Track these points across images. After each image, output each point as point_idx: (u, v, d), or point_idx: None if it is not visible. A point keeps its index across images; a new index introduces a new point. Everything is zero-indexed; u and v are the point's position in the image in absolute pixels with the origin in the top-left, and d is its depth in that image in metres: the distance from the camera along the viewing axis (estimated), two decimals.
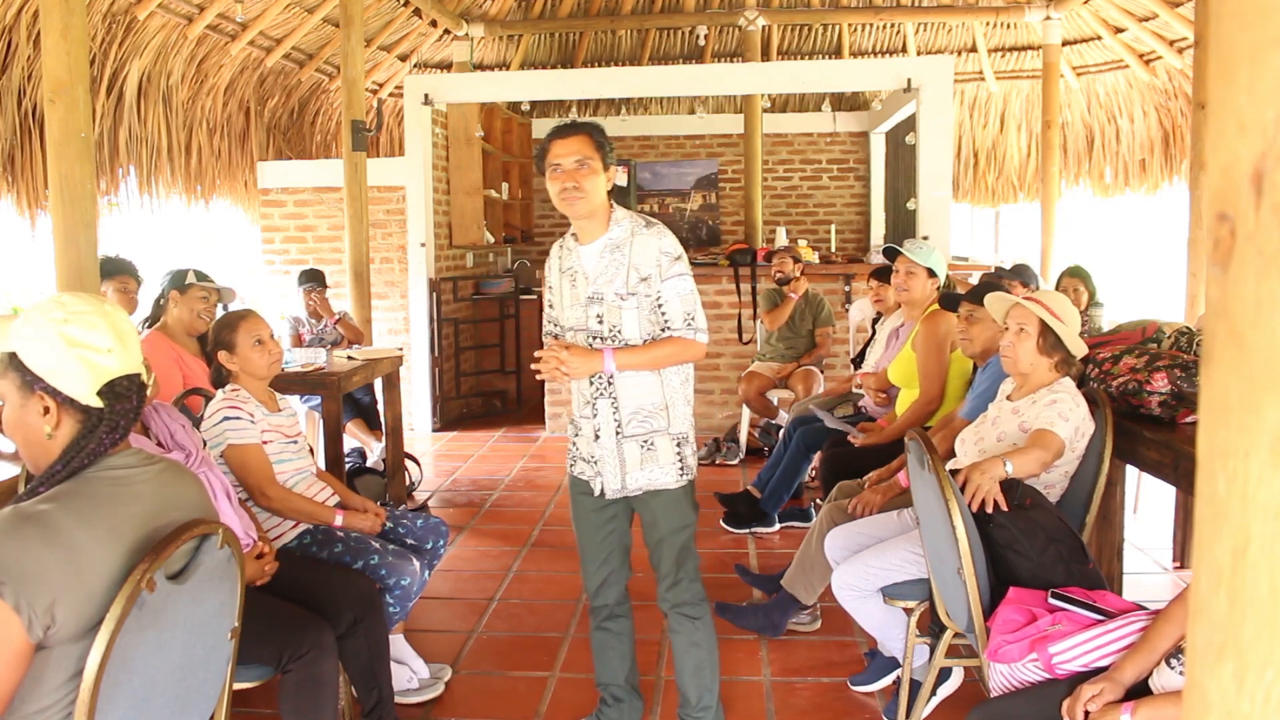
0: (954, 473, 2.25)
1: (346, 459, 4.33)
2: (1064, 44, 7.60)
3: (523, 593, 3.74)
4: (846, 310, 6.11)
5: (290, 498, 2.64)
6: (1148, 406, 2.64)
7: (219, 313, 3.51)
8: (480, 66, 8.72)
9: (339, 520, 2.69)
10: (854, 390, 4.43)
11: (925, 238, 6.05)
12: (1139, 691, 1.73)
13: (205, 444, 2.40)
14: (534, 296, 7.38)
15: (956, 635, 2.32)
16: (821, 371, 5.43)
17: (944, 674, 2.70)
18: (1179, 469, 2.44)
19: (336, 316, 5.38)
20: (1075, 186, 8.53)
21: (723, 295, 6.36)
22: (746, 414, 5.74)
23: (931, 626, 2.52)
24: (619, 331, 2.30)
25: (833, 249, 8.49)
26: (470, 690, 2.94)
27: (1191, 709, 0.49)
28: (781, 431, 4.54)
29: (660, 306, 2.30)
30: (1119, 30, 7.37)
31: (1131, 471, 3.23)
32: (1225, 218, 0.46)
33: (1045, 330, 2.47)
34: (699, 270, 4.46)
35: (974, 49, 8.42)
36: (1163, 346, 2.95)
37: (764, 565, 3.97)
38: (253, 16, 6.14)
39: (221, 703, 1.72)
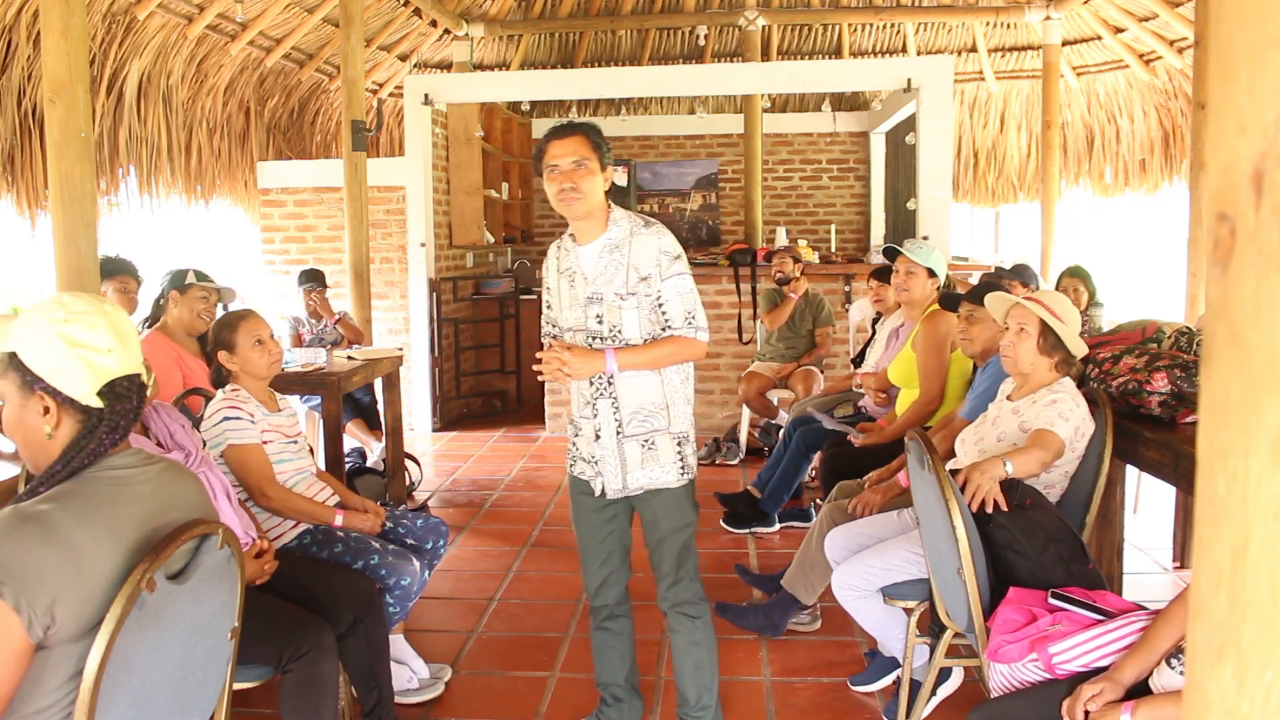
0: (954, 473, 2.25)
1: (346, 459, 4.33)
2: (1064, 44, 7.60)
3: (523, 593, 3.74)
4: (846, 310, 6.11)
5: (290, 498, 2.64)
6: (1148, 406, 2.64)
7: (219, 313, 3.51)
8: (480, 66, 8.72)
9: (339, 520, 2.69)
10: (854, 390, 4.43)
11: (925, 238, 6.05)
12: (1139, 691, 1.73)
13: (205, 444, 2.40)
14: (534, 296, 7.37)
15: (956, 635, 2.32)
16: (821, 371, 5.43)
17: (944, 674, 2.70)
18: (1179, 469, 2.44)
19: (336, 316, 5.37)
20: (1075, 186, 8.53)
21: (723, 295, 6.36)
22: (746, 414, 5.74)
23: (931, 626, 2.52)
24: (619, 331, 2.31)
25: (833, 249, 8.49)
26: (470, 690, 2.94)
27: (1191, 709, 0.49)
28: (781, 431, 4.54)
29: (660, 306, 2.30)
30: (1119, 30, 7.37)
31: (1131, 471, 3.22)
32: (1225, 218, 0.46)
33: (1045, 330, 2.47)
34: (699, 270, 4.46)
35: (974, 49, 8.42)
36: (1163, 346, 2.95)
37: (764, 565, 3.97)
38: (253, 16, 6.14)
39: (221, 703, 1.73)
